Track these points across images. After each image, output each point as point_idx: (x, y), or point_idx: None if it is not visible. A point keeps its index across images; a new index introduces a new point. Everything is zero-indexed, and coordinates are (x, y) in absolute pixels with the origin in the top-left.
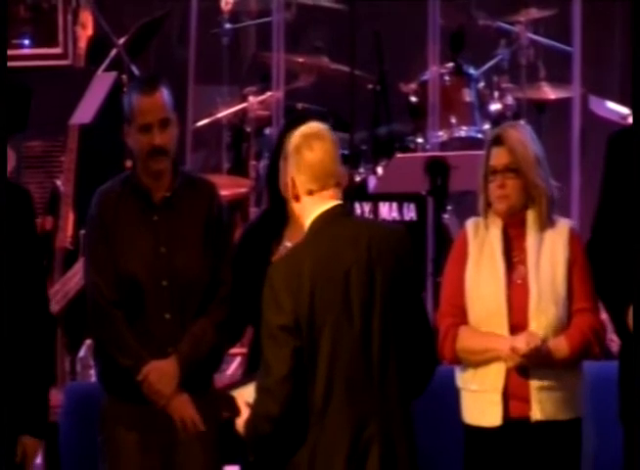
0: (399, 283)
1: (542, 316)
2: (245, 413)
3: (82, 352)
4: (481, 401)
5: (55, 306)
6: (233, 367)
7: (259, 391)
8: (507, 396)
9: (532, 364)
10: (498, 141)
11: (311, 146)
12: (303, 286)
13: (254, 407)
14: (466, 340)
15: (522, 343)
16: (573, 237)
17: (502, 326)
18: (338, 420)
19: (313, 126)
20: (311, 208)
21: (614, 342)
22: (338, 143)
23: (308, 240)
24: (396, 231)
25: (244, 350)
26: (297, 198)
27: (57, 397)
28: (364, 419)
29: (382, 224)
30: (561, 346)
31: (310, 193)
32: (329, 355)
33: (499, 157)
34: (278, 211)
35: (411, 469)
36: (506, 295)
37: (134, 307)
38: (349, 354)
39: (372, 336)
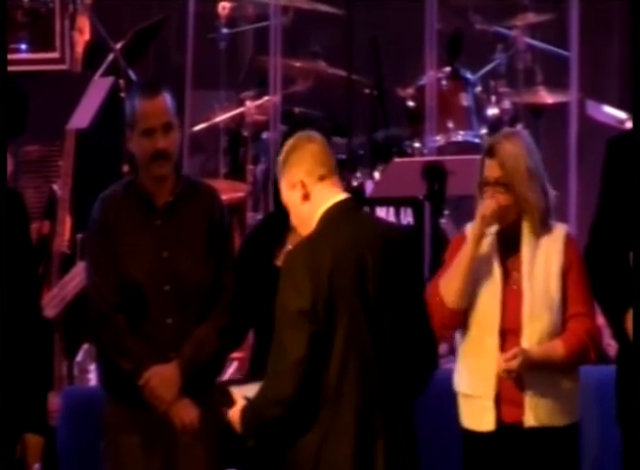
0: (407, 283)
1: (536, 323)
2: (240, 404)
3: (80, 357)
4: (475, 407)
5: (52, 311)
6: (231, 371)
7: (270, 376)
8: (500, 401)
9: (529, 370)
10: (490, 153)
11: (310, 139)
12: (323, 271)
13: (262, 393)
14: (444, 279)
15: (513, 365)
16: (569, 243)
17: (493, 330)
18: (348, 406)
19: (301, 133)
20: (322, 196)
21: (611, 346)
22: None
23: (324, 228)
24: (405, 233)
25: (241, 354)
26: (306, 196)
27: (54, 401)
28: (370, 408)
29: (391, 224)
30: (557, 348)
31: (322, 178)
32: (344, 342)
33: (490, 170)
34: (281, 216)
35: (414, 463)
36: (501, 300)
37: (136, 312)
38: (362, 343)
39: (384, 328)
